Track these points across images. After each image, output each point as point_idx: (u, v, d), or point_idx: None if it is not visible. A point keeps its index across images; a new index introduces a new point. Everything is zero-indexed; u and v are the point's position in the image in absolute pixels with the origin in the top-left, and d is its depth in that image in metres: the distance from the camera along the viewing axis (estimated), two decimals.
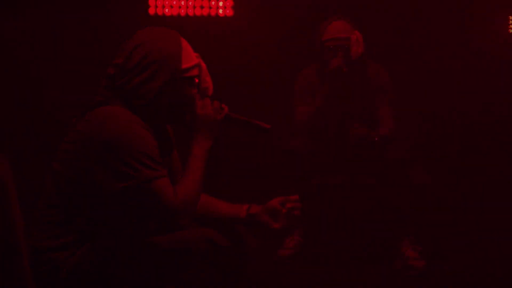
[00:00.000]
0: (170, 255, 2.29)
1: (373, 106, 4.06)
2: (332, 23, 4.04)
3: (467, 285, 3.61)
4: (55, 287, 2.28)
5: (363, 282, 3.65)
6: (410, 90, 4.62)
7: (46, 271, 2.28)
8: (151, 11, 4.75)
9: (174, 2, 4.76)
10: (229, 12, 4.79)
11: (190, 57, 2.44)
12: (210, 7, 4.78)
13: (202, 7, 4.78)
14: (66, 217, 2.30)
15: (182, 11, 4.77)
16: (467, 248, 4.21)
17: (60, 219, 2.30)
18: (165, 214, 2.28)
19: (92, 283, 2.28)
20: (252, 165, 4.66)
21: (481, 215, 4.59)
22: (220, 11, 4.79)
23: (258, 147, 4.55)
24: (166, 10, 4.76)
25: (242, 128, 2.53)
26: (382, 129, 4.00)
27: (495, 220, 4.51)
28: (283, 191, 3.96)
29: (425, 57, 4.79)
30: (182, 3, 4.77)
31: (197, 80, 2.47)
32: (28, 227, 2.28)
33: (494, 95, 4.80)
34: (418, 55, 4.76)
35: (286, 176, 3.95)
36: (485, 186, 4.72)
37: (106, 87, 2.39)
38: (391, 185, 3.91)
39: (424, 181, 4.00)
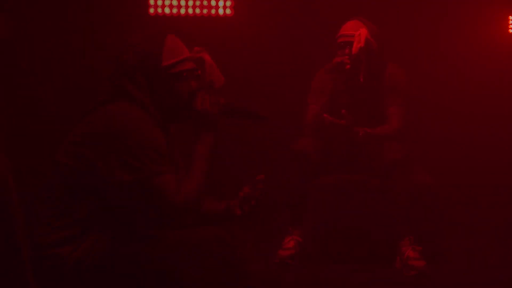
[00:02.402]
0: (176, 250, 2.29)
1: (383, 104, 4.07)
2: (346, 22, 4.07)
3: (467, 285, 3.61)
4: (60, 283, 2.29)
5: (363, 282, 3.65)
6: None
7: (50, 266, 2.29)
8: (151, 11, 4.74)
9: (174, 2, 4.75)
10: (229, 12, 4.79)
11: (174, 53, 2.46)
12: (210, 7, 4.78)
13: (202, 7, 4.78)
14: (69, 209, 2.31)
15: (182, 11, 4.76)
16: (467, 248, 4.21)
17: (63, 212, 2.31)
18: (167, 209, 2.30)
19: (97, 278, 2.28)
20: (259, 164, 4.65)
21: (481, 215, 4.59)
22: (220, 11, 4.78)
23: (265, 146, 4.56)
24: (166, 10, 4.75)
25: (242, 118, 2.54)
26: (387, 127, 4.01)
27: (495, 220, 4.51)
28: (286, 191, 4.01)
29: (424, 57, 4.78)
30: (182, 3, 4.77)
31: (185, 74, 2.47)
32: (30, 225, 2.29)
33: (494, 95, 4.80)
34: (417, 55, 4.75)
35: (293, 176, 3.95)
36: (485, 186, 4.71)
37: (107, 86, 2.43)
38: (392, 185, 3.91)
39: (425, 181, 3.99)
